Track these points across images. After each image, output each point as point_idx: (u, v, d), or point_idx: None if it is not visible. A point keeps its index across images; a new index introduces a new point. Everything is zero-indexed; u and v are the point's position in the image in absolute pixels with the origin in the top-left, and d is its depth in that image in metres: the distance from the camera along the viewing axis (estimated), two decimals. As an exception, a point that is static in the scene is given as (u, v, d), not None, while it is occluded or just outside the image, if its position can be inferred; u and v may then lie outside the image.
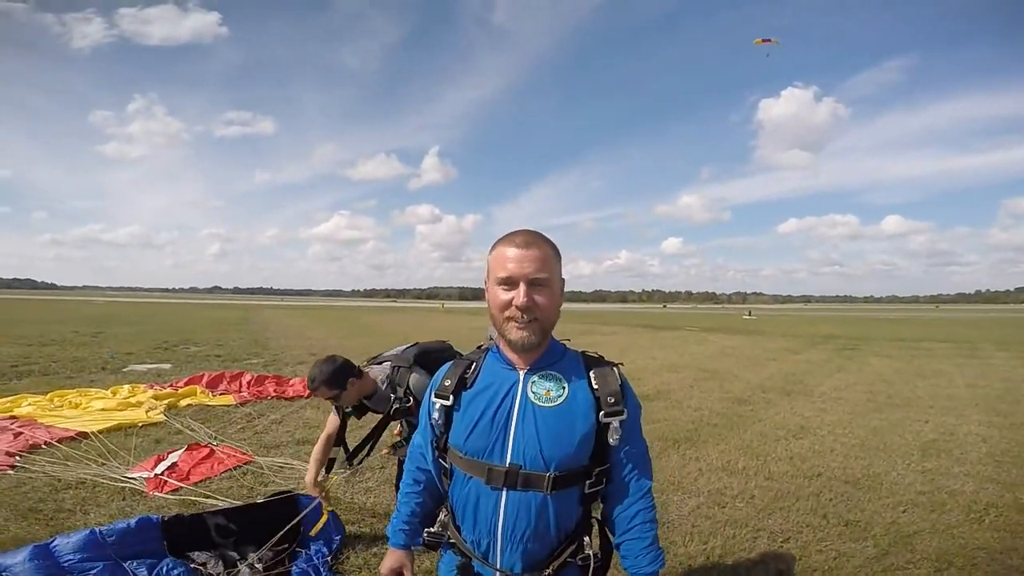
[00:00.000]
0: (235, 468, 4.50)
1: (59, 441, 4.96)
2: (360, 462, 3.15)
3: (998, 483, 4.60)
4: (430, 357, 2.84)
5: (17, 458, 4.43)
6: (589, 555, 1.36)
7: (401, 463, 3.29)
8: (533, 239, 1.28)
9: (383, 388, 2.83)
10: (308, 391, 2.65)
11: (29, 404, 6.37)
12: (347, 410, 2.90)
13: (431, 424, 1.42)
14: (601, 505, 1.41)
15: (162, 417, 6.05)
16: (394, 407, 2.77)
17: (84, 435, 5.21)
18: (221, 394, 7.48)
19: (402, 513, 1.53)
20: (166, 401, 6.79)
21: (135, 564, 2.61)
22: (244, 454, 4.85)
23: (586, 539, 1.38)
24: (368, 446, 3.09)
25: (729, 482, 4.61)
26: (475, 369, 1.39)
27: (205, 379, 8.15)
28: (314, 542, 3.01)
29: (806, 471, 4.93)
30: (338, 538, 3.08)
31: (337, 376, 2.67)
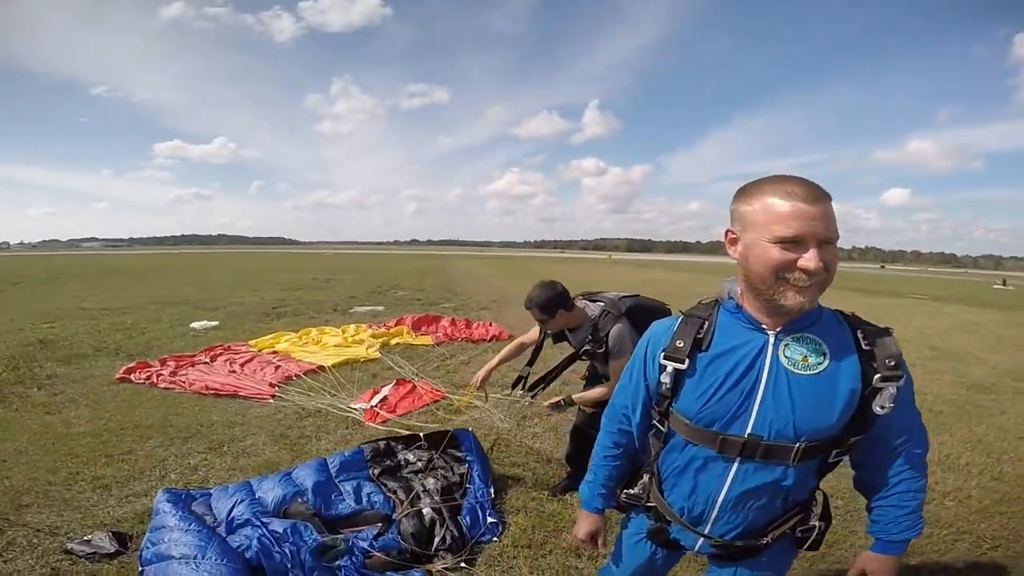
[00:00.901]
0: (432, 403, 5.13)
1: (305, 373, 6.14)
2: (535, 394, 3.27)
3: None
4: (641, 312, 2.77)
5: (276, 389, 5.58)
6: (812, 527, 1.27)
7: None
8: (820, 192, 1.08)
9: (586, 326, 2.85)
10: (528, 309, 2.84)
11: (285, 340, 7.97)
12: (549, 332, 3.04)
13: (654, 386, 1.30)
14: (855, 472, 1.30)
15: (378, 354, 7.12)
16: (585, 348, 2.83)
17: (322, 368, 6.36)
18: (422, 335, 8.51)
19: (599, 476, 1.48)
20: (381, 340, 7.94)
21: (345, 483, 3.20)
22: (438, 390, 5.50)
23: (812, 510, 1.28)
24: (550, 378, 3.20)
25: (943, 477, 3.91)
26: (709, 328, 1.22)
27: (409, 321, 9.34)
28: (474, 482, 3.27)
29: (1051, 478, 3.90)
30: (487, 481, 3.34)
31: (551, 303, 2.80)
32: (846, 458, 1.25)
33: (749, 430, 1.15)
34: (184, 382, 5.84)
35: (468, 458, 3.42)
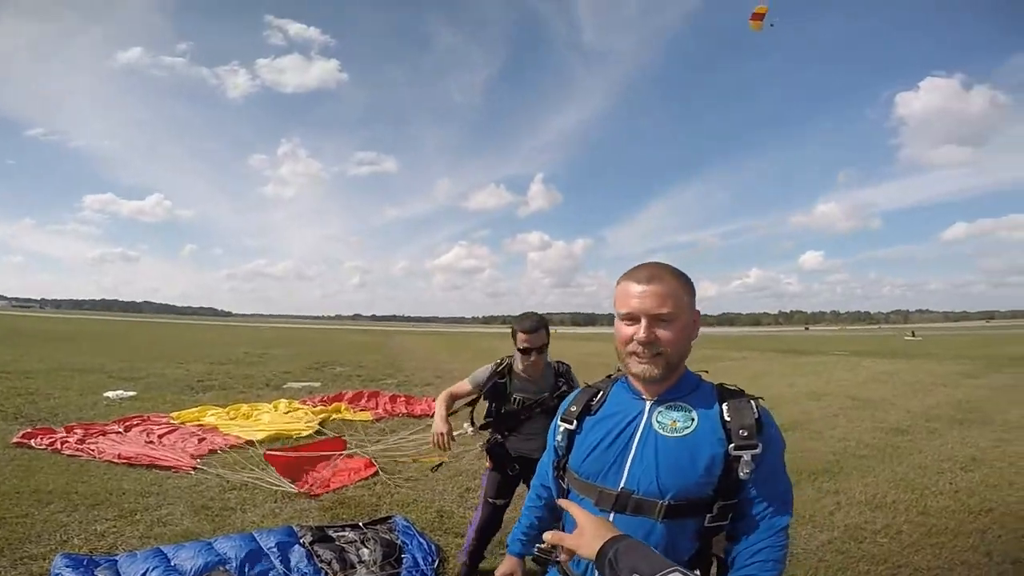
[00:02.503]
0: (368, 478, 4.95)
1: (231, 447, 5.80)
2: (481, 427, 3.01)
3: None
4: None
5: (198, 461, 5.25)
6: None
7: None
8: (657, 273, 1.28)
9: (548, 372, 2.87)
10: (525, 334, 2.71)
11: (212, 414, 7.53)
12: (499, 381, 2.85)
13: (554, 446, 1.51)
14: (725, 543, 1.34)
15: (315, 428, 6.85)
16: (560, 390, 2.75)
17: (251, 443, 6.04)
18: (361, 410, 8.25)
19: (522, 524, 1.66)
20: (320, 416, 7.64)
21: (274, 551, 3.06)
22: (372, 464, 5.31)
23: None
24: (514, 424, 2.92)
25: (872, 516, 4.18)
26: (601, 397, 1.44)
27: (348, 396, 9.07)
28: (418, 551, 3.22)
29: (972, 506, 4.33)
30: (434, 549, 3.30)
31: (547, 327, 2.79)
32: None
33: (622, 484, 1.28)
34: (93, 450, 5.40)
35: (402, 541, 3.35)
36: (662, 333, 1.25)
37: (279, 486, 4.57)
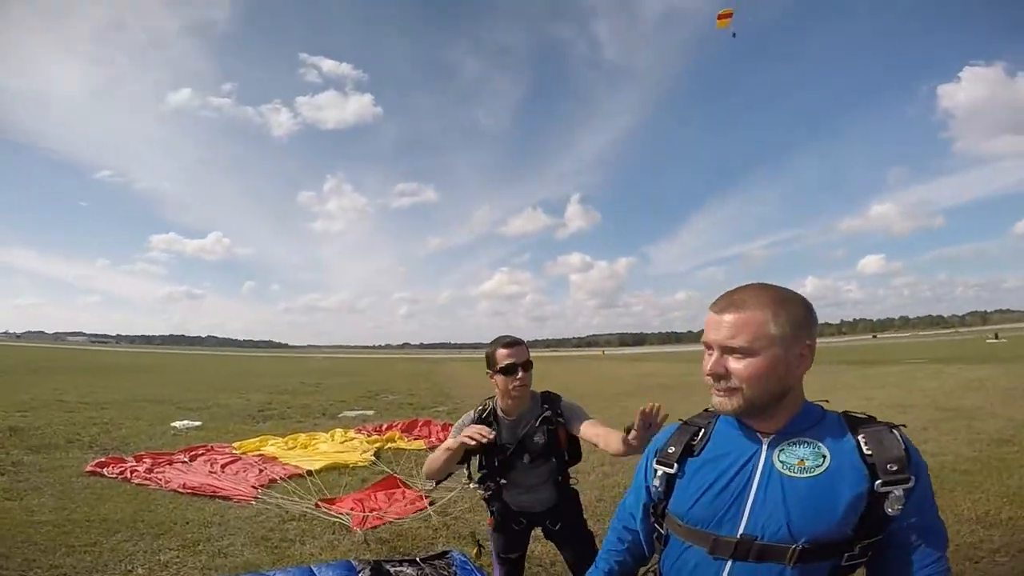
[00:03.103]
0: (422, 510, 4.77)
1: (290, 477, 5.78)
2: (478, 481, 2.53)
3: None
4: (552, 396, 2.52)
5: (259, 491, 5.24)
6: None
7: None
8: (739, 300, 1.17)
9: (533, 405, 2.41)
10: (507, 348, 2.31)
11: (271, 444, 7.61)
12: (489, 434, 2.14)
13: (648, 488, 1.37)
14: None
15: (371, 459, 6.77)
16: (544, 416, 2.35)
17: (309, 473, 6.02)
18: (414, 439, 8.16)
19: (599, 569, 1.49)
20: (375, 445, 7.60)
21: None
22: (424, 496, 5.10)
23: None
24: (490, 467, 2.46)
25: (987, 535, 3.78)
26: (704, 435, 1.29)
27: (400, 425, 9.01)
28: None
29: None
30: None
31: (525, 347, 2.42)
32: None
33: (742, 530, 1.14)
34: (160, 479, 5.50)
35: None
36: (734, 366, 1.14)
37: (337, 518, 4.47)
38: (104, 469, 5.83)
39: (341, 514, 4.55)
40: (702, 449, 1.26)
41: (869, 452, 1.11)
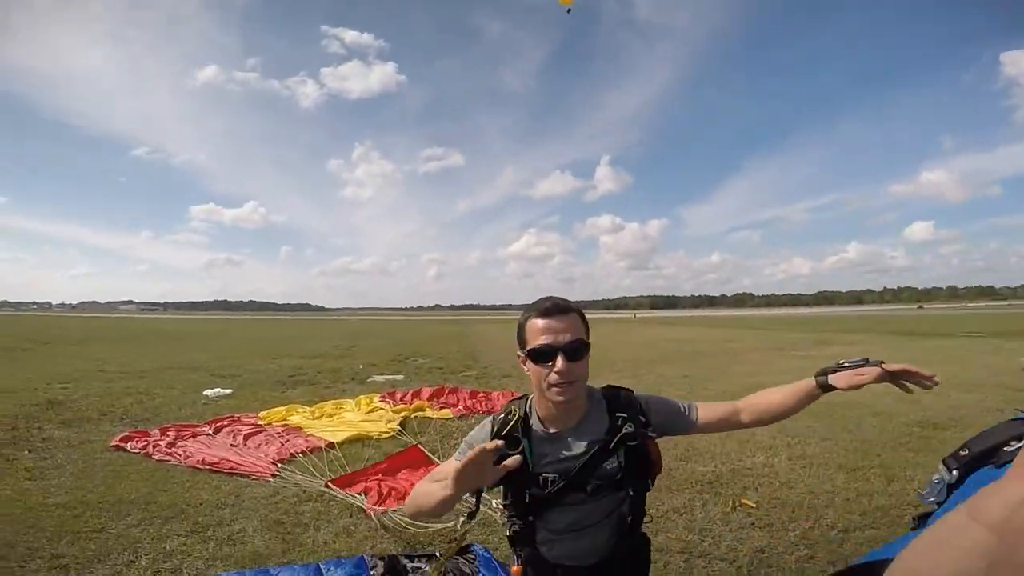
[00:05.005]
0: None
1: (312, 451, 5.59)
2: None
3: None
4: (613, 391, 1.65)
5: (279, 466, 5.07)
6: None
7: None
8: None
9: (595, 407, 1.57)
10: (544, 319, 1.43)
11: (297, 414, 7.50)
12: (508, 452, 1.39)
13: (920, 494, 1.00)
14: None
15: (396, 428, 6.57)
16: (626, 427, 1.49)
17: (331, 445, 5.84)
18: (442, 407, 7.94)
19: None
20: (400, 414, 7.41)
21: None
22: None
23: None
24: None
25: None
26: None
27: (428, 393, 8.83)
28: None
29: None
30: None
31: (582, 316, 1.54)
32: None
33: None
34: (180, 454, 5.38)
35: (482, 573, 2.83)
36: None
37: (354, 500, 4.23)
38: (128, 444, 5.76)
39: (355, 495, 4.32)
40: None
41: None
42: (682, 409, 1.60)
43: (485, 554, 3.00)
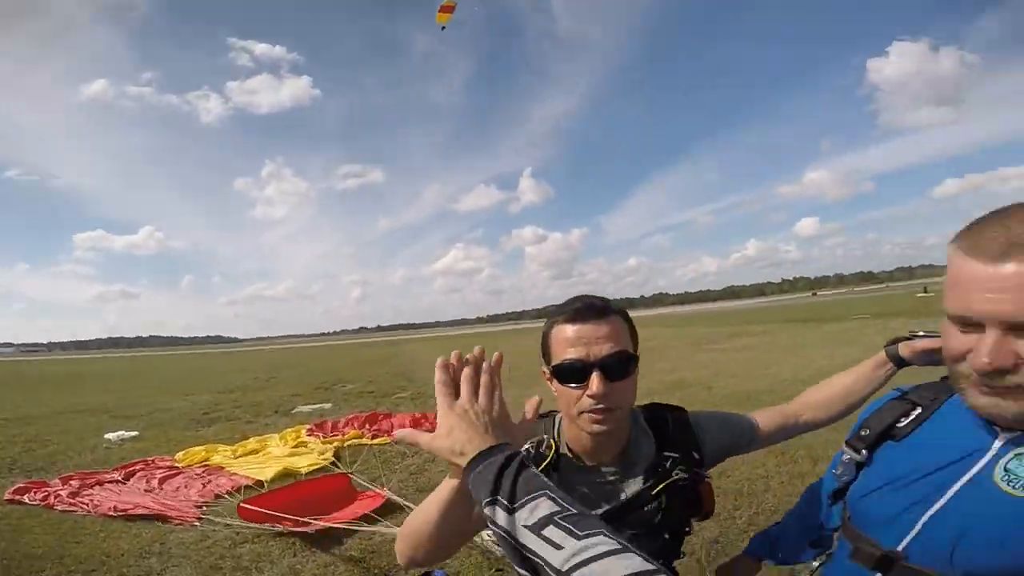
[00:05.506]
0: (378, 509, 4.44)
1: (237, 490, 5.31)
2: None
3: None
4: (657, 413, 1.34)
5: (203, 509, 4.77)
6: None
7: None
8: (1019, 240, 0.70)
9: (636, 437, 1.21)
10: (577, 324, 1.08)
11: (218, 454, 7.03)
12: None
13: (833, 476, 1.10)
14: None
15: (329, 460, 6.34)
16: (676, 467, 1.17)
17: (260, 483, 5.57)
18: (375, 435, 7.62)
19: (772, 531, 1.43)
20: (333, 444, 7.15)
21: None
22: (379, 495, 4.78)
23: None
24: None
25: None
26: (919, 416, 0.96)
27: (361, 419, 8.45)
28: None
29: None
30: None
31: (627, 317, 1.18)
32: None
33: (903, 544, 0.84)
34: (87, 504, 4.94)
35: None
36: None
37: (301, 532, 4.03)
38: (25, 496, 5.21)
39: (265, 523, 4.09)
40: (910, 433, 0.95)
41: None
42: (742, 425, 1.29)
43: None
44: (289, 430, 8.36)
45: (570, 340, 1.07)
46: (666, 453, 1.17)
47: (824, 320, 26.13)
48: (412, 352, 34.17)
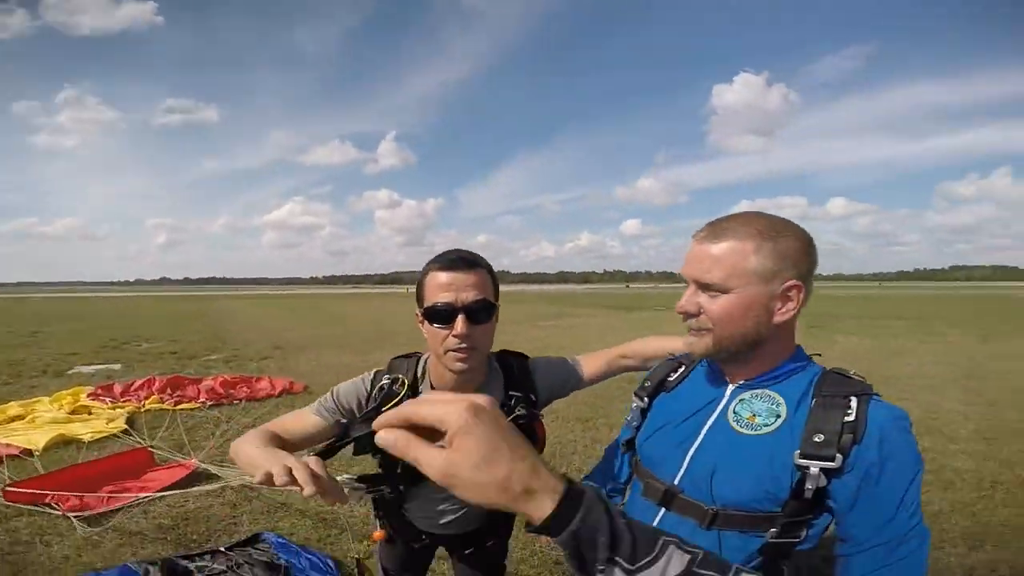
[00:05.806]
0: (185, 478, 4.04)
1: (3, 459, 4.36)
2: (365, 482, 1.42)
3: (995, 460, 4.64)
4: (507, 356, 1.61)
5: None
6: None
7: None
8: (717, 230, 1.02)
9: (491, 375, 1.45)
10: (449, 272, 1.25)
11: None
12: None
13: (626, 421, 1.29)
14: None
15: (121, 427, 5.47)
16: (518, 407, 1.39)
17: (28, 452, 4.64)
18: (178, 402, 6.66)
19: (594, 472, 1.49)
20: (126, 410, 6.19)
21: None
22: (188, 464, 4.28)
23: None
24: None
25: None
26: (683, 372, 1.20)
27: (163, 381, 7.31)
28: (312, 569, 2.68)
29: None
30: None
31: (491, 272, 1.36)
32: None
33: (677, 479, 1.04)
34: None
35: (286, 560, 2.72)
36: (707, 304, 1.01)
37: (49, 509, 3.42)
38: None
39: (50, 505, 3.48)
40: (676, 385, 1.19)
41: (810, 418, 0.95)
42: (570, 366, 1.51)
43: (279, 539, 2.87)
44: (64, 391, 7.05)
45: (442, 286, 1.25)
46: (511, 393, 1.41)
47: (632, 309, 29.97)
48: (230, 309, 30.91)
